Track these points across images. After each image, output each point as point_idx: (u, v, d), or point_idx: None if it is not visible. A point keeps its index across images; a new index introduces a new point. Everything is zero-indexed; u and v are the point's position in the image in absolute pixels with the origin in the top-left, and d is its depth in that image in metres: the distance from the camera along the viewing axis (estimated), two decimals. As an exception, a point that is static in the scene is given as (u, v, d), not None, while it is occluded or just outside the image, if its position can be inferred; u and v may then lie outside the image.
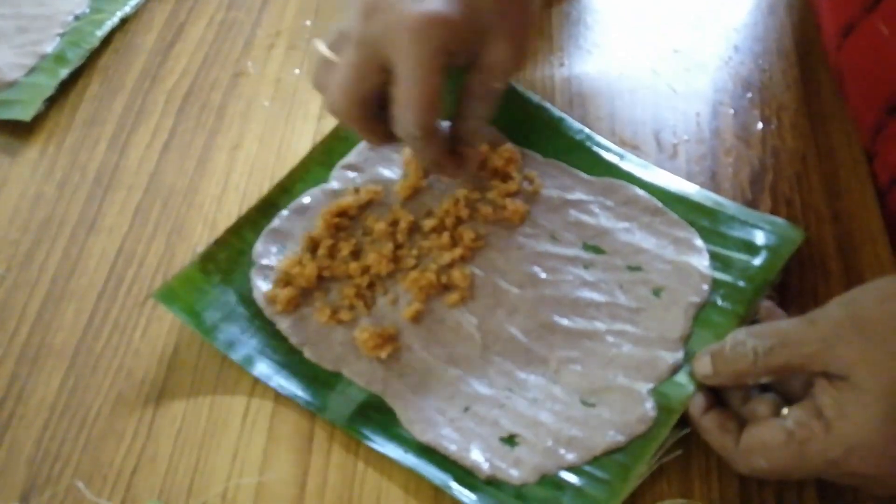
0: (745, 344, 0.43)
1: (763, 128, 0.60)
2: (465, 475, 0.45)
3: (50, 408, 0.49)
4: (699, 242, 0.53)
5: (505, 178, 0.56)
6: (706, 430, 0.45)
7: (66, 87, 0.64)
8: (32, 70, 0.65)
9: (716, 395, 0.46)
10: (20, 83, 0.64)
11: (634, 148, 0.59)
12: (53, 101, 0.64)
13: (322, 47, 0.49)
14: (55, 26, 0.68)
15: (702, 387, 0.46)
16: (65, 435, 0.49)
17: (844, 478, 0.42)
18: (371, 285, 0.53)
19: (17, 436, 0.49)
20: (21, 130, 0.62)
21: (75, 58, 0.66)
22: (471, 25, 0.46)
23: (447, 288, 0.52)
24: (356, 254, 0.54)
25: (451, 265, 0.53)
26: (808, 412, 0.41)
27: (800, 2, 0.66)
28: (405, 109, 0.46)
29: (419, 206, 0.55)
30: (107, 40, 0.67)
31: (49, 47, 0.67)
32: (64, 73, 0.65)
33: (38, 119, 0.63)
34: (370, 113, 0.49)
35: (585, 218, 0.55)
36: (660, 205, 0.55)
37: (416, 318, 0.51)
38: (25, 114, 0.62)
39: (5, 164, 0.61)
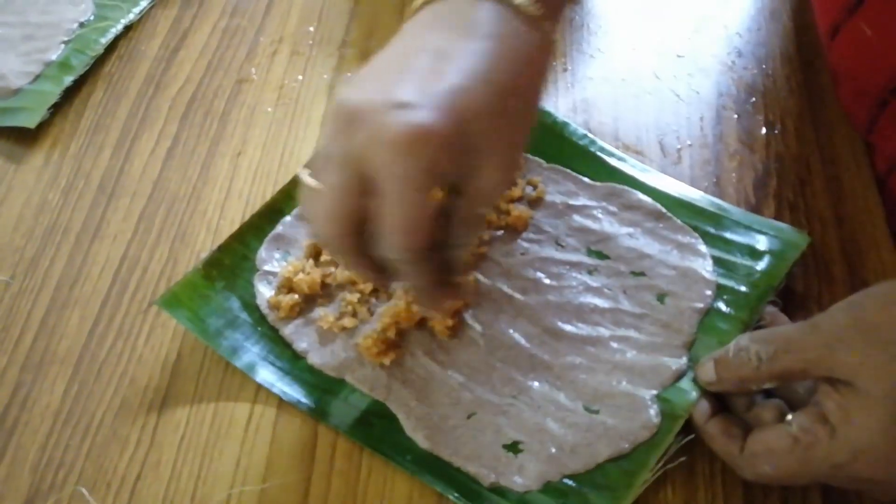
0: (748, 349, 0.43)
1: (767, 133, 0.59)
2: (469, 482, 0.45)
3: (54, 415, 0.50)
4: (703, 248, 0.53)
5: (508, 183, 0.56)
6: (710, 436, 0.45)
7: (70, 94, 0.65)
8: (37, 77, 0.65)
9: (720, 401, 0.46)
10: (25, 90, 0.65)
11: (638, 153, 0.59)
12: (58, 109, 0.64)
13: (305, 175, 0.42)
14: (60, 34, 0.68)
15: (706, 393, 0.46)
16: (69, 442, 0.49)
17: (849, 483, 0.42)
18: (374, 291, 0.52)
19: (22, 443, 0.49)
20: (26, 138, 0.62)
21: (80, 65, 0.66)
22: (462, 141, 0.40)
23: (450, 294, 0.52)
24: (359, 260, 0.54)
25: (454, 271, 0.53)
26: (812, 417, 0.41)
27: (803, 6, 0.66)
28: (392, 232, 0.40)
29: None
30: (111, 47, 0.67)
31: (54, 55, 0.67)
32: (68, 80, 0.65)
33: (43, 126, 0.63)
34: (359, 240, 0.42)
35: (589, 223, 0.55)
36: (663, 210, 0.55)
37: (420, 325, 0.51)
38: (30, 121, 0.62)
39: (10, 172, 0.61)
